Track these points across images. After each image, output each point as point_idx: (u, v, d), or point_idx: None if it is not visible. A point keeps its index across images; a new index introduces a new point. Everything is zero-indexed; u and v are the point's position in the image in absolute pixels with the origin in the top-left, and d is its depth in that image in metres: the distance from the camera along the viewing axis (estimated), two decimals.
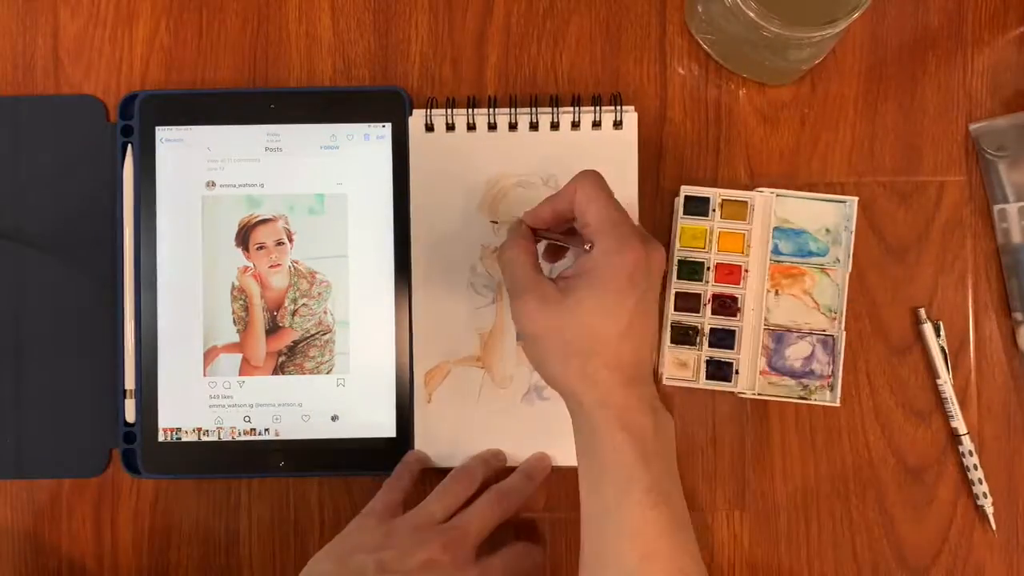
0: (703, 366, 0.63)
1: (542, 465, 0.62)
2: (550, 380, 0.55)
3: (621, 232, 0.52)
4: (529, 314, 0.53)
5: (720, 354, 0.63)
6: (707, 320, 0.63)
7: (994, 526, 0.63)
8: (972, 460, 0.63)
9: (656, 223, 0.64)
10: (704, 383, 0.63)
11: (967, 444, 0.63)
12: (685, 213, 0.63)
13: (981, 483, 0.63)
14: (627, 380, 0.52)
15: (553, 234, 0.57)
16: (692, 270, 0.63)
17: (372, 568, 0.54)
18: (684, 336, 0.63)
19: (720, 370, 0.63)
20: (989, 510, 0.63)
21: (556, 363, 0.53)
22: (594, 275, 0.52)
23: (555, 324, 0.52)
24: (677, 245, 0.63)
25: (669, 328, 0.63)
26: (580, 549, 0.54)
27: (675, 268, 0.63)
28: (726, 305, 0.63)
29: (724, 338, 0.63)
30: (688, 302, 0.63)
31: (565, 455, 0.63)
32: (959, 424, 0.63)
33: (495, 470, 0.62)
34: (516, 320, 0.55)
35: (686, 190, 0.63)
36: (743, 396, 0.63)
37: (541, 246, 0.58)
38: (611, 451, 0.51)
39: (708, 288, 0.63)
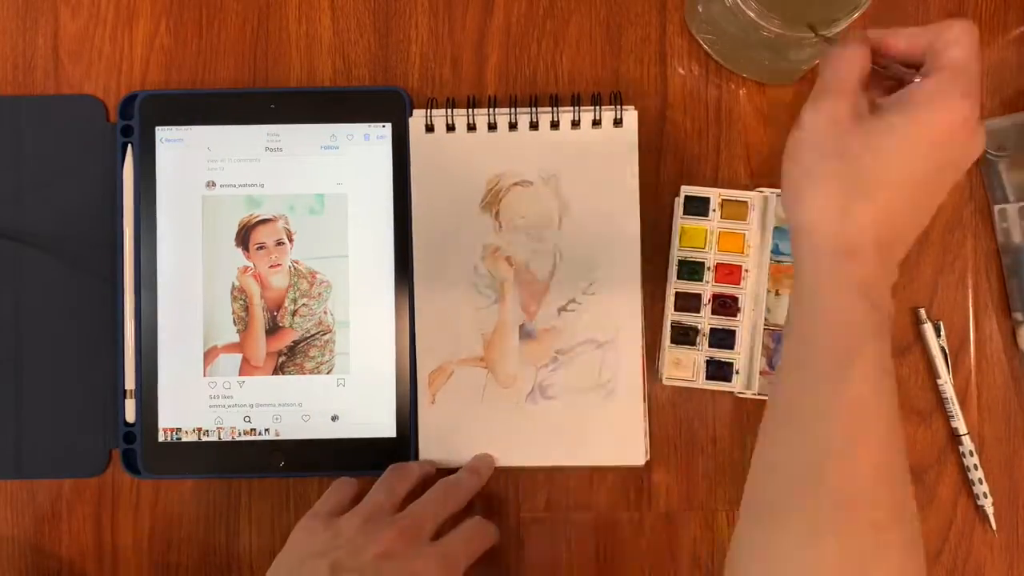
0: (703, 366, 0.63)
1: (487, 462, 0.62)
2: (795, 208, 0.47)
3: (970, 85, 0.45)
4: (831, 117, 0.46)
5: (720, 354, 0.63)
6: (707, 320, 0.63)
7: (994, 526, 0.63)
8: (972, 460, 0.63)
9: (656, 223, 0.64)
10: (704, 383, 0.63)
11: (967, 444, 0.63)
12: (685, 213, 0.63)
13: (981, 483, 0.63)
14: (882, 242, 0.45)
15: (893, 63, 0.48)
16: (692, 270, 0.63)
17: (325, 570, 0.53)
18: (684, 336, 0.63)
19: (720, 370, 0.63)
20: (989, 510, 0.63)
21: (819, 187, 0.45)
22: (918, 109, 0.45)
23: (848, 141, 0.45)
24: (677, 245, 0.63)
25: (669, 328, 0.63)
26: (762, 428, 0.48)
27: (675, 268, 0.63)
28: (726, 305, 0.63)
29: (724, 338, 0.63)
30: (688, 302, 0.63)
31: (568, 455, 0.63)
32: (959, 424, 0.63)
33: (429, 472, 0.61)
34: (802, 123, 0.47)
35: (686, 190, 0.63)
36: (743, 396, 0.63)
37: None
38: (839, 313, 0.45)
39: (708, 288, 0.63)
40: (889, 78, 0.48)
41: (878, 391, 0.45)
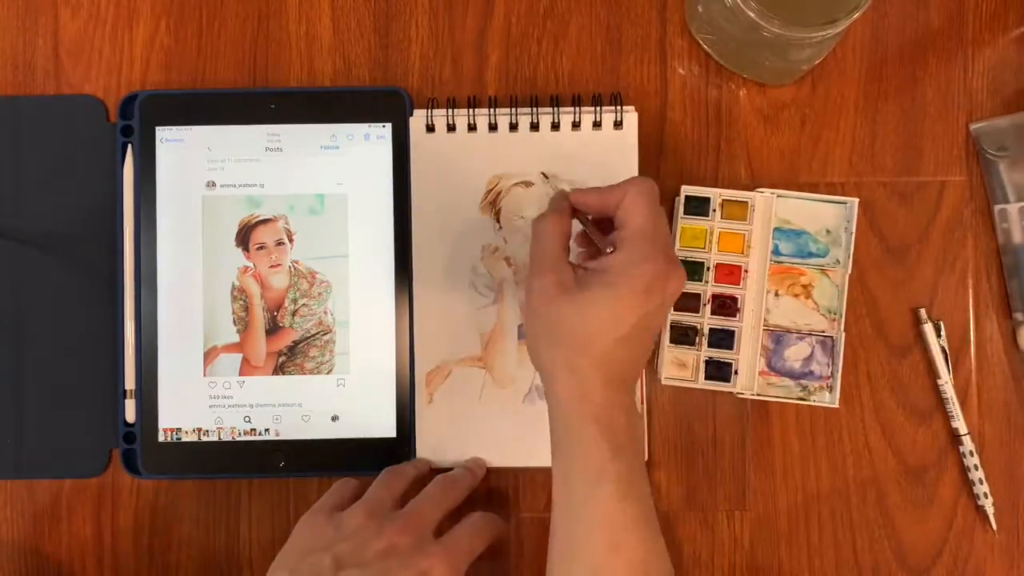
0: (702, 366, 0.63)
1: (479, 463, 0.63)
2: (536, 361, 0.55)
3: (651, 246, 0.53)
4: (543, 292, 0.53)
5: (719, 354, 0.63)
6: (706, 320, 0.63)
7: (995, 526, 0.63)
8: (973, 460, 0.63)
9: None
10: (703, 383, 0.63)
11: (968, 444, 0.63)
12: (685, 213, 0.63)
13: (982, 483, 0.63)
14: (608, 381, 0.52)
15: (589, 223, 0.57)
16: (692, 270, 0.63)
17: (329, 566, 0.53)
18: (683, 336, 0.63)
19: (719, 370, 0.63)
20: (990, 510, 0.63)
21: (547, 347, 0.53)
22: (612, 277, 0.52)
23: (561, 311, 0.53)
24: (677, 245, 0.63)
25: (668, 328, 0.63)
26: (549, 539, 0.54)
27: None
28: (726, 305, 0.63)
29: (723, 338, 0.63)
30: (687, 302, 0.63)
31: None
32: (960, 424, 0.63)
33: (423, 472, 0.62)
34: (528, 291, 0.55)
35: (686, 190, 0.63)
36: (742, 396, 0.63)
37: (576, 226, 0.58)
38: (583, 443, 0.52)
39: (708, 288, 0.63)
40: (594, 238, 0.56)
41: (624, 506, 0.52)
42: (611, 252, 0.54)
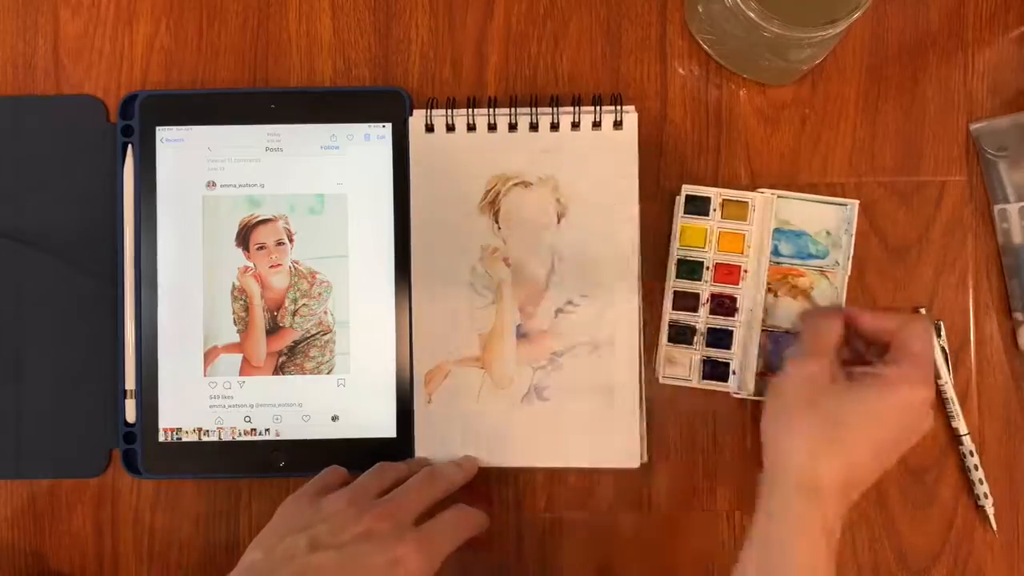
0: (699, 365, 0.63)
1: (470, 461, 0.62)
2: (775, 439, 0.56)
3: (928, 374, 0.56)
4: (818, 375, 0.55)
5: (717, 354, 0.63)
6: (705, 320, 0.63)
7: (995, 527, 0.63)
8: (973, 460, 0.63)
9: (656, 223, 0.64)
10: (700, 383, 0.63)
11: (968, 444, 0.63)
12: (686, 212, 0.63)
13: (982, 483, 0.63)
14: (845, 489, 0.53)
15: (857, 338, 0.59)
16: (691, 269, 0.63)
17: (304, 546, 0.53)
18: (681, 335, 0.63)
19: (716, 370, 0.63)
20: (990, 511, 0.63)
21: (798, 430, 0.54)
22: (885, 386, 0.54)
23: (823, 396, 0.54)
24: (676, 244, 0.63)
25: (666, 327, 0.63)
26: None
27: (674, 267, 0.63)
28: (724, 305, 0.63)
29: (721, 338, 0.63)
30: (686, 301, 0.63)
31: (563, 457, 0.63)
32: (960, 424, 0.63)
33: (415, 470, 0.61)
34: (798, 371, 0.56)
35: (687, 189, 0.63)
36: (739, 396, 0.63)
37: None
38: (805, 550, 0.52)
39: (707, 288, 0.63)
40: (851, 353, 0.59)
41: None
42: (886, 364, 0.56)
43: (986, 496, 0.63)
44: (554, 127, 0.64)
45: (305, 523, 0.55)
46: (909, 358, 0.55)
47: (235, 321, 0.64)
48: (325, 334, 0.64)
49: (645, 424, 0.63)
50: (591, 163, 0.63)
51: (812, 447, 0.53)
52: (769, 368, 0.63)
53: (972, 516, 0.64)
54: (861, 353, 0.59)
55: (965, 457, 0.63)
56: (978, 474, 0.63)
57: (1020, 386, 0.64)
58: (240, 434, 0.63)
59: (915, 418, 0.55)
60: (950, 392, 0.63)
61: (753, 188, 0.64)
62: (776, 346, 0.63)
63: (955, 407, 0.63)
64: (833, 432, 0.53)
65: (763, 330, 0.63)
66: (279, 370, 0.64)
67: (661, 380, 0.63)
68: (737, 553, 0.60)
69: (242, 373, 0.64)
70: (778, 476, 0.54)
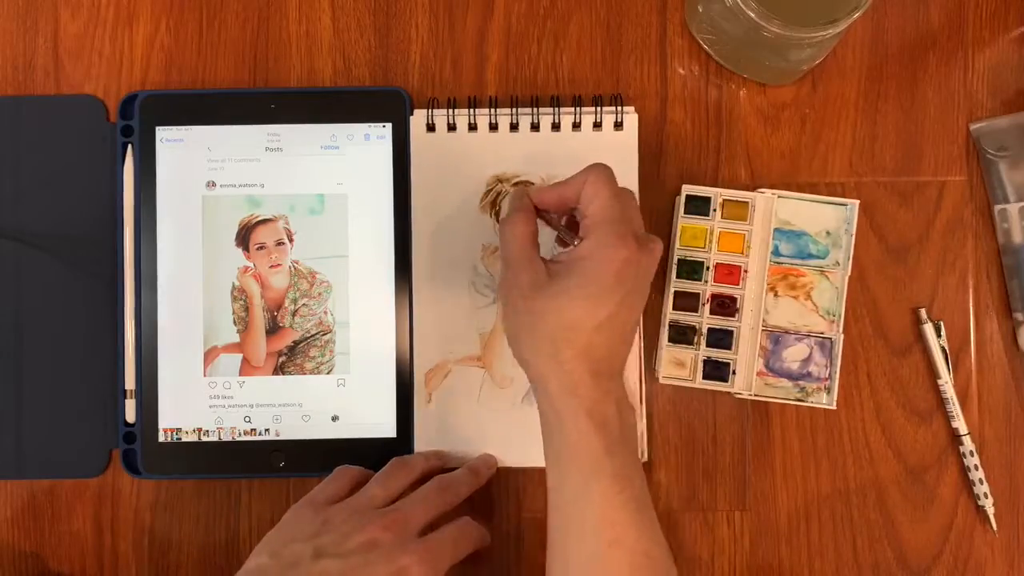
0: (700, 366, 0.63)
1: (488, 463, 0.63)
2: (520, 359, 0.55)
3: (617, 229, 0.53)
4: (518, 290, 0.54)
5: (717, 354, 0.63)
6: (705, 320, 0.63)
7: (995, 526, 0.63)
8: (973, 460, 0.63)
9: (656, 224, 0.64)
10: (701, 383, 0.63)
11: (968, 444, 0.63)
12: (686, 212, 0.63)
13: (982, 483, 0.63)
14: (595, 372, 0.52)
15: (552, 218, 0.57)
16: (691, 269, 0.63)
17: (309, 555, 0.53)
18: (682, 335, 0.63)
19: (717, 370, 0.63)
20: (990, 510, 0.63)
21: (529, 344, 0.54)
22: (583, 266, 0.53)
23: (537, 307, 0.53)
24: (677, 244, 0.63)
25: (667, 327, 0.63)
26: (547, 536, 0.54)
27: (674, 267, 0.63)
28: (725, 305, 0.63)
29: (722, 338, 0.63)
30: (686, 301, 0.63)
31: None
32: (960, 424, 0.63)
33: (434, 467, 0.61)
34: (502, 291, 0.55)
35: (688, 189, 0.63)
36: (740, 397, 0.63)
37: (545, 229, 0.58)
38: (576, 439, 0.52)
39: (707, 288, 0.63)
40: (559, 232, 0.57)
41: (622, 499, 0.52)
42: (577, 244, 0.54)
43: (986, 496, 0.63)
44: (555, 127, 0.64)
45: (311, 532, 0.55)
46: (592, 226, 0.53)
47: (235, 321, 0.64)
48: (325, 334, 0.64)
49: (645, 424, 0.63)
50: (592, 163, 0.63)
51: (547, 354, 0.53)
52: (768, 368, 0.63)
53: (972, 516, 0.64)
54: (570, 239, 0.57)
55: (965, 457, 0.63)
56: (978, 474, 0.63)
57: (1020, 386, 0.64)
58: (240, 434, 0.63)
59: (629, 275, 0.53)
60: (950, 392, 0.63)
61: (753, 188, 0.64)
62: (777, 346, 0.63)
63: (955, 407, 0.63)
64: (556, 334, 0.52)
65: (763, 330, 0.63)
66: (279, 370, 0.64)
67: (661, 380, 0.63)
68: (737, 554, 0.61)
69: (242, 373, 0.64)
70: (537, 389, 0.54)
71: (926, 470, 0.64)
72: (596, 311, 0.52)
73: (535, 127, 0.64)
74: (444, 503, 0.58)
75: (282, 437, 0.64)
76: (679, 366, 0.63)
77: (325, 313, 0.64)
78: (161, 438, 0.63)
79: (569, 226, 0.57)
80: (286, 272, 0.64)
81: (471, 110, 0.64)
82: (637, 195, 0.63)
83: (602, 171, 0.55)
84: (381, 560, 0.53)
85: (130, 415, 0.64)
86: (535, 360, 0.54)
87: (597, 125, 0.63)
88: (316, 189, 0.64)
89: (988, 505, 0.63)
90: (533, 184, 0.64)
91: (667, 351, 0.63)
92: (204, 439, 0.63)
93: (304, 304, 0.64)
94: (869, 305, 0.64)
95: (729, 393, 0.63)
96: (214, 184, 0.64)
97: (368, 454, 0.63)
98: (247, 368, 0.64)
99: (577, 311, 0.52)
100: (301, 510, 0.57)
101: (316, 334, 0.64)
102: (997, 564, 0.64)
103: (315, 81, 0.66)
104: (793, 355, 0.63)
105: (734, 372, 0.63)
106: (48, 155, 0.65)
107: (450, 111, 0.63)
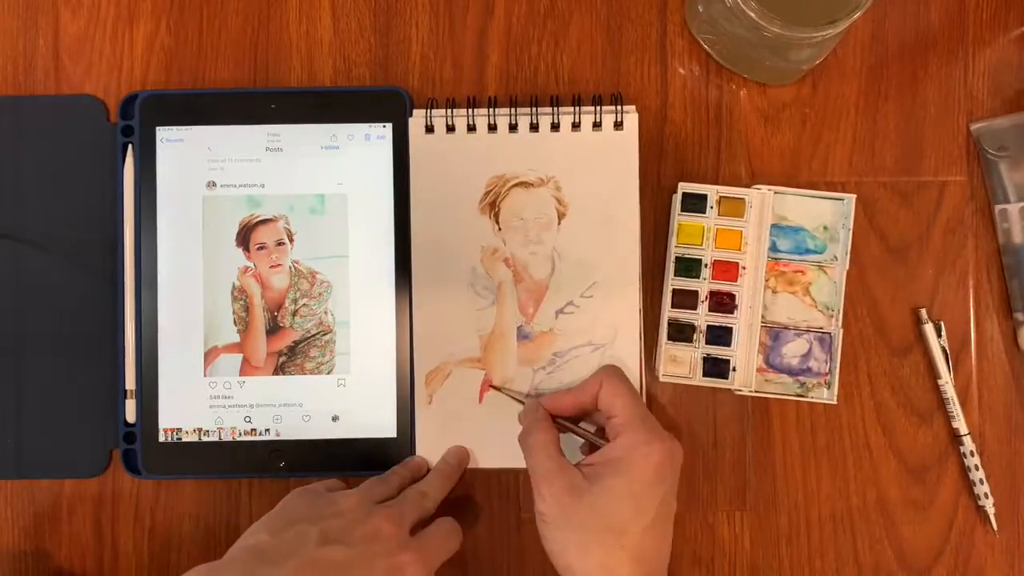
0: (699, 363, 0.63)
1: (458, 460, 0.62)
2: (565, 568, 0.54)
3: (649, 426, 0.55)
4: (557, 498, 0.54)
5: (717, 351, 0.63)
6: (704, 317, 0.63)
7: (995, 527, 0.63)
8: (973, 460, 0.63)
9: (656, 224, 0.64)
10: (700, 380, 0.63)
11: (968, 444, 0.63)
12: (683, 210, 0.63)
13: (982, 483, 0.63)
14: (647, 570, 0.53)
15: (574, 427, 0.59)
16: (689, 267, 0.63)
17: (315, 537, 0.53)
18: (681, 333, 0.63)
19: (716, 367, 0.63)
20: (990, 511, 0.63)
21: (577, 551, 0.53)
22: (623, 465, 0.53)
23: (581, 512, 0.53)
24: (674, 242, 0.63)
25: (666, 325, 0.63)
26: None
27: (672, 265, 0.63)
28: (723, 302, 0.63)
29: (721, 335, 0.63)
30: (685, 299, 0.63)
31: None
32: (960, 424, 0.63)
33: (415, 478, 0.61)
34: (541, 503, 0.55)
35: (683, 187, 0.63)
36: (740, 393, 0.63)
37: (566, 436, 0.59)
38: None
39: (705, 285, 0.63)
40: (586, 437, 0.58)
41: None
42: (609, 443, 0.55)
43: (986, 496, 0.63)
44: (555, 127, 0.63)
45: (317, 515, 0.55)
46: (624, 424, 0.55)
47: (235, 321, 0.64)
48: (325, 334, 0.64)
49: None
50: (591, 164, 0.63)
51: (598, 562, 0.52)
52: (767, 364, 0.63)
53: (972, 516, 0.64)
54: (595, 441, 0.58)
55: (965, 457, 0.63)
56: (978, 474, 0.63)
57: (1020, 386, 0.64)
58: (240, 434, 0.63)
59: (667, 472, 0.54)
60: (950, 392, 0.63)
61: (751, 186, 0.64)
62: (776, 342, 0.63)
63: (955, 407, 0.63)
64: (604, 539, 0.52)
65: (762, 326, 0.63)
66: (279, 370, 0.64)
67: (661, 378, 0.63)
68: (737, 554, 0.61)
69: (242, 373, 0.64)
70: None
71: (926, 470, 0.64)
72: (643, 510, 0.53)
73: (534, 127, 0.64)
74: (426, 511, 0.58)
75: (282, 437, 0.64)
76: (678, 364, 0.63)
77: (325, 313, 0.64)
78: (161, 438, 0.63)
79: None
80: (286, 272, 0.64)
81: (470, 111, 0.64)
82: (637, 196, 0.63)
83: (615, 371, 0.58)
84: (383, 554, 0.53)
85: (130, 415, 0.64)
86: (584, 566, 0.53)
87: (597, 125, 0.63)
88: (316, 189, 0.64)
89: (988, 505, 0.63)
90: (533, 186, 0.63)
91: (667, 349, 0.63)
92: (204, 439, 0.63)
93: (304, 304, 0.64)
94: (869, 305, 0.64)
95: (728, 391, 0.63)
96: (214, 184, 0.64)
97: (368, 454, 0.63)
98: (247, 368, 0.64)
99: (625, 512, 0.52)
100: (304, 492, 0.57)
101: (316, 334, 0.64)
102: (997, 564, 0.64)
103: (315, 81, 0.66)
104: (792, 350, 0.63)
105: (734, 369, 0.63)
106: (48, 155, 0.65)
107: (449, 112, 0.63)
